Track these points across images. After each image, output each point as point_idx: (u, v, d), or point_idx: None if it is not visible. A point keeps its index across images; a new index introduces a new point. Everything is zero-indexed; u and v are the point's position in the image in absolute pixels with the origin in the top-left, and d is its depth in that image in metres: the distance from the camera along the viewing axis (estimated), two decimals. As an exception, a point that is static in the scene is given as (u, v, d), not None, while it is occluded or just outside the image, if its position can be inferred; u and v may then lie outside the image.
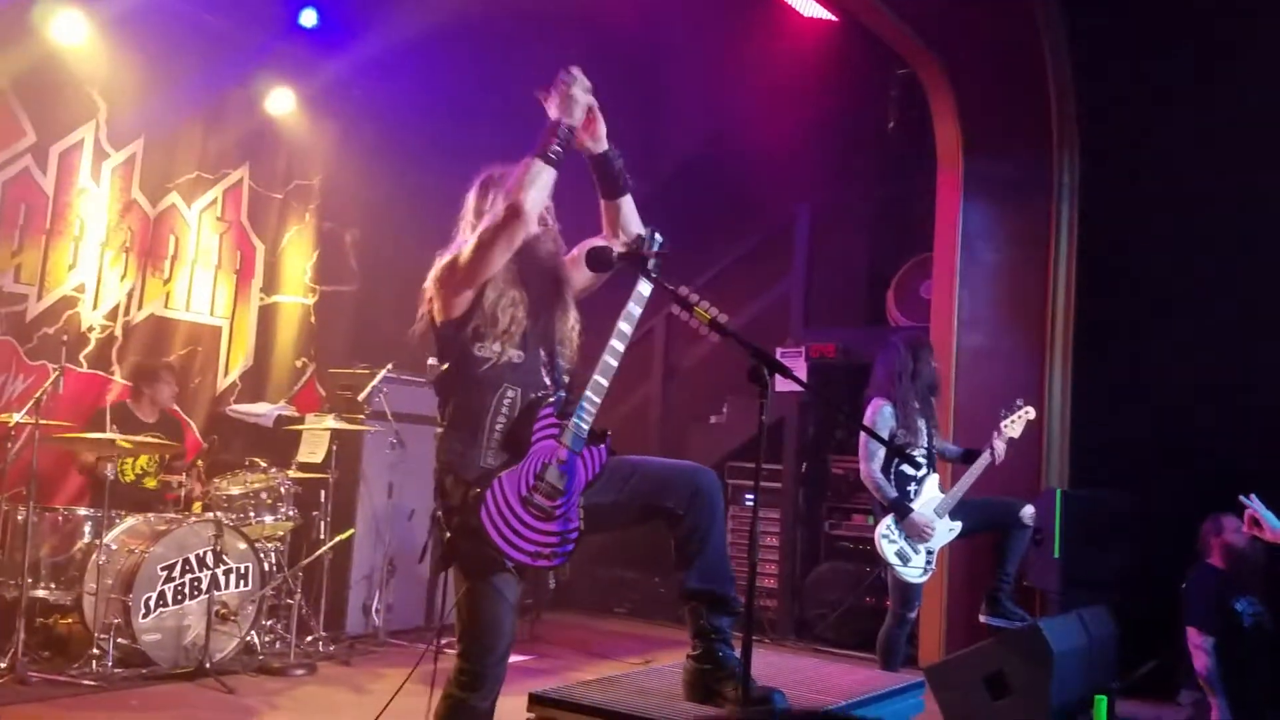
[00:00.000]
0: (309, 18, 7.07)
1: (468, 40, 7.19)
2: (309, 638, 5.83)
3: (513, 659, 2.92)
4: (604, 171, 2.99)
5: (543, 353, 2.92)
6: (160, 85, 6.42)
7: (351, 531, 6.20)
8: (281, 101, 7.15)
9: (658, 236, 2.97)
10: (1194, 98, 6.11)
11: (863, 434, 5.01)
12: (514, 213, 2.76)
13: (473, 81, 7.37)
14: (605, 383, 2.87)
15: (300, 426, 6.33)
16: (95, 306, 6.33)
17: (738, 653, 2.79)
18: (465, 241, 2.88)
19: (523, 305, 2.87)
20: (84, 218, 6.25)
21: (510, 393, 2.84)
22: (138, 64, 6.33)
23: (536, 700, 2.94)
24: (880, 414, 4.97)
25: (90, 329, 6.30)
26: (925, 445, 5.05)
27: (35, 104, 6.01)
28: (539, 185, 2.80)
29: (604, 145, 2.96)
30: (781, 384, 2.87)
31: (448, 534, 2.80)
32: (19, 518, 5.08)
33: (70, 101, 6.17)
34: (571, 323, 3.02)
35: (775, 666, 3.52)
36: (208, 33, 6.62)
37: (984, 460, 5.02)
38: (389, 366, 6.51)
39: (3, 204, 5.89)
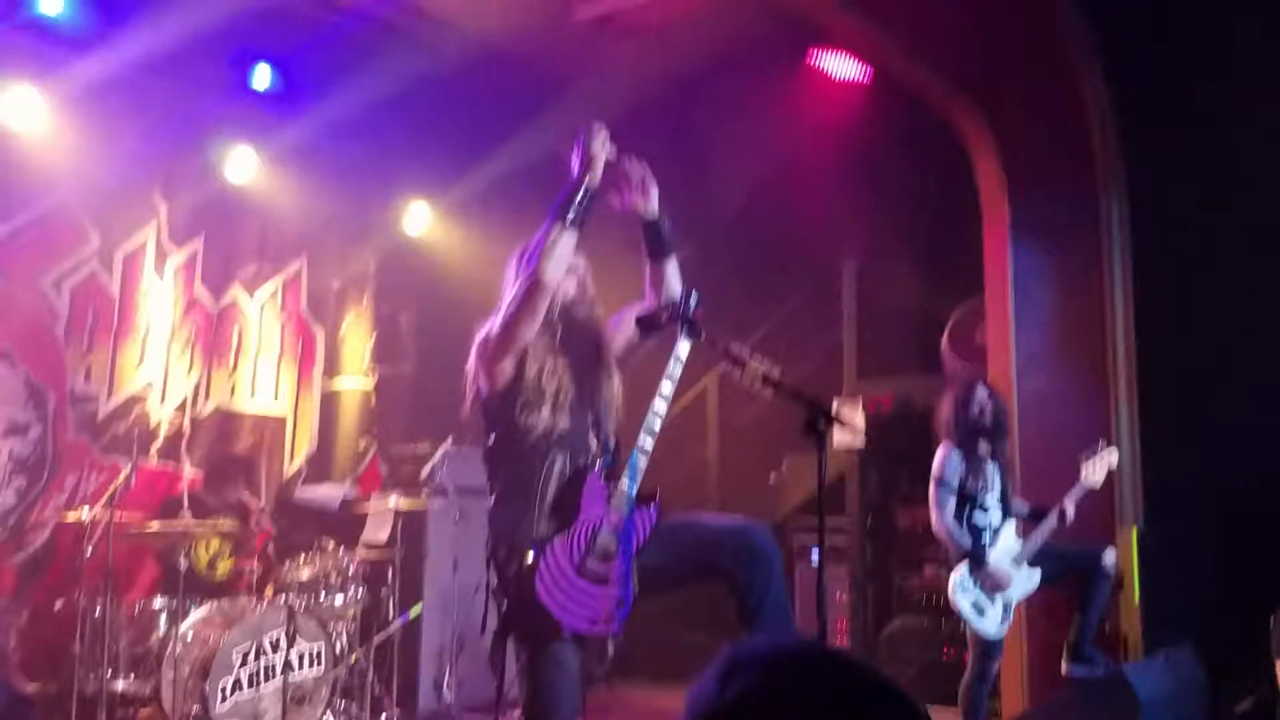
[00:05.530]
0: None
1: (508, 120, 7.33)
2: (383, 715, 5.83)
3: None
4: (653, 235, 3.05)
5: (589, 417, 2.94)
6: (216, 183, 6.64)
7: (419, 607, 6.22)
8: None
9: (694, 296, 2.99)
10: (1246, 120, 5.98)
11: (932, 483, 4.87)
12: (532, 284, 2.83)
13: (508, 162, 7.48)
14: (651, 443, 2.88)
15: (365, 508, 6.41)
16: (163, 401, 6.49)
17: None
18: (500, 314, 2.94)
19: (566, 372, 2.91)
20: (149, 316, 6.45)
21: (559, 460, 2.86)
22: (194, 164, 6.56)
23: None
24: (948, 461, 4.77)
25: (159, 423, 6.46)
26: (999, 491, 4.85)
27: (98, 209, 6.23)
28: (558, 252, 2.86)
29: (654, 212, 3.02)
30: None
31: (504, 604, 2.81)
32: (96, 613, 5.18)
33: (132, 205, 6.40)
34: (615, 386, 3.05)
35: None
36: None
37: (1052, 522, 4.79)
38: (448, 441, 6.57)
39: (72, 308, 6.11)
